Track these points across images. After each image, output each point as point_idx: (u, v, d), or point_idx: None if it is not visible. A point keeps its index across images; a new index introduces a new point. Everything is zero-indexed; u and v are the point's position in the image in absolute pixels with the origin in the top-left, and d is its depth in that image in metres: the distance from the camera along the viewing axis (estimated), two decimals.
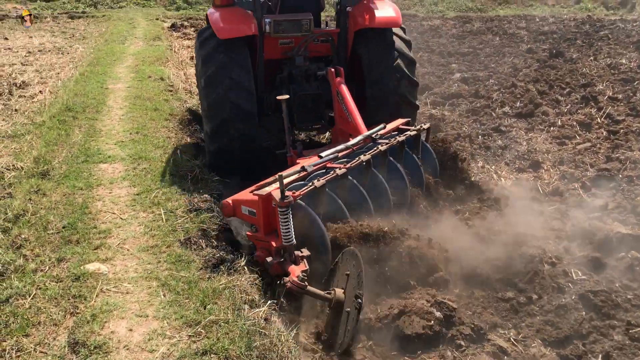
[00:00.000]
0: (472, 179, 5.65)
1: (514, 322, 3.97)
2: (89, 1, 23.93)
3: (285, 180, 3.78)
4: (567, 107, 9.05)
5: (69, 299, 3.52)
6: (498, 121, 8.41)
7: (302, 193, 3.78)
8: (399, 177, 4.64)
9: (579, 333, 3.80)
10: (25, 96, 9.16)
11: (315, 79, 5.92)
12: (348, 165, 4.24)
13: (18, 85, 9.84)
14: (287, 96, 5.06)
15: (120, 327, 3.32)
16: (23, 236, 4.23)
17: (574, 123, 8.20)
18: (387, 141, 4.75)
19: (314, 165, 4.28)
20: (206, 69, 5.49)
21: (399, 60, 5.87)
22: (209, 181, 5.52)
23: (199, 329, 3.26)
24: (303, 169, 4.19)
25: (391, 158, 4.71)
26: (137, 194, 5.02)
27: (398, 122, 5.36)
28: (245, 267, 3.93)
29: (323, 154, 4.51)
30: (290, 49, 5.95)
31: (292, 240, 3.65)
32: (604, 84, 10.14)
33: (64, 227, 4.38)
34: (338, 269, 3.72)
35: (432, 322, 3.67)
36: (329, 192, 4.03)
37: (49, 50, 13.41)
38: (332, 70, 5.60)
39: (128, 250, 4.12)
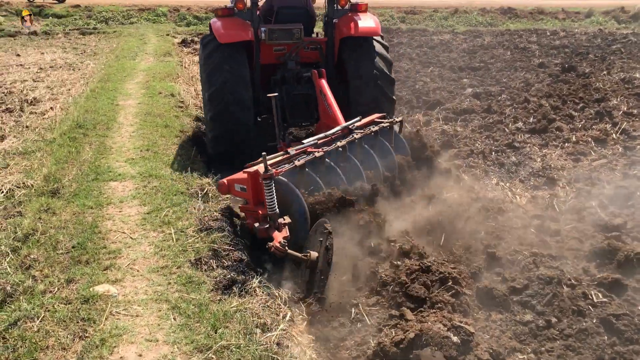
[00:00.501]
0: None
1: (533, 347, 3.84)
2: (100, 17, 24.18)
3: (270, 161, 4.54)
4: (582, 122, 8.94)
5: (78, 322, 3.45)
6: (511, 137, 8.31)
7: (283, 170, 4.52)
8: (373, 161, 5.40)
9: (601, 358, 3.67)
10: (36, 112, 9.18)
11: (306, 81, 6.69)
12: (325, 149, 4.99)
13: (29, 101, 9.89)
14: (277, 94, 5.78)
15: (129, 352, 3.23)
16: (32, 256, 4.17)
17: (589, 139, 8.09)
18: (362, 131, 5.54)
19: (296, 150, 5.00)
20: (207, 67, 6.40)
21: (378, 61, 6.72)
22: (219, 199, 5.46)
23: (210, 355, 3.17)
24: (286, 152, 4.94)
25: (366, 145, 5.46)
26: (148, 213, 4.96)
27: (374, 116, 6.17)
28: (257, 289, 3.84)
29: (305, 141, 5.27)
30: (283, 55, 6.82)
31: (275, 208, 4.29)
32: (618, 99, 10.03)
33: (73, 247, 4.32)
34: (313, 235, 4.29)
35: (449, 349, 3.55)
36: (308, 171, 4.76)
37: (60, 67, 13.50)
38: (315, 71, 6.38)
39: (138, 271, 4.05)
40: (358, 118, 5.87)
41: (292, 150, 4.99)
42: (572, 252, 4.86)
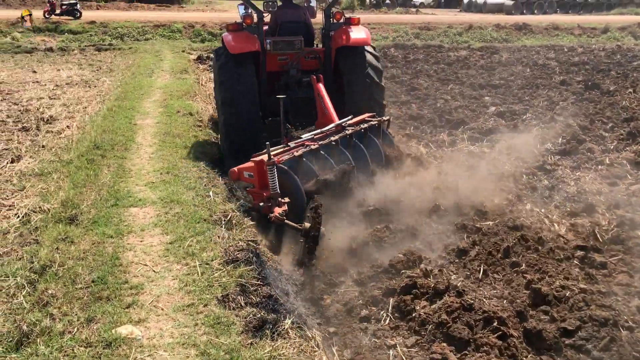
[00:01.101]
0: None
1: None
2: (115, 33, 24.21)
3: (273, 152, 5.39)
4: (613, 143, 8.63)
5: None
6: (541, 159, 8.01)
7: (284, 158, 5.41)
8: (362, 154, 6.20)
9: None
10: (52, 131, 9.02)
11: (306, 86, 7.54)
12: (320, 143, 5.89)
13: (45, 120, 9.73)
14: (285, 96, 6.65)
15: None
16: (50, 291, 3.93)
17: (624, 161, 7.77)
18: (353, 128, 6.40)
19: (295, 143, 5.91)
20: (219, 75, 7.25)
21: (369, 70, 7.48)
22: (244, 226, 5.21)
23: None
24: (287, 145, 5.84)
25: (356, 140, 6.29)
26: (170, 243, 4.71)
27: (365, 115, 6.95)
28: (290, 331, 3.57)
29: (303, 136, 6.18)
30: (286, 63, 7.73)
31: (277, 189, 5.14)
32: None
33: (93, 281, 4.07)
34: (307, 210, 5.03)
35: None
36: (305, 160, 5.63)
37: (76, 84, 13.39)
38: (314, 77, 7.21)
39: (162, 309, 3.79)
40: (350, 117, 6.74)
41: (292, 144, 5.90)
42: (622, 287, 4.55)
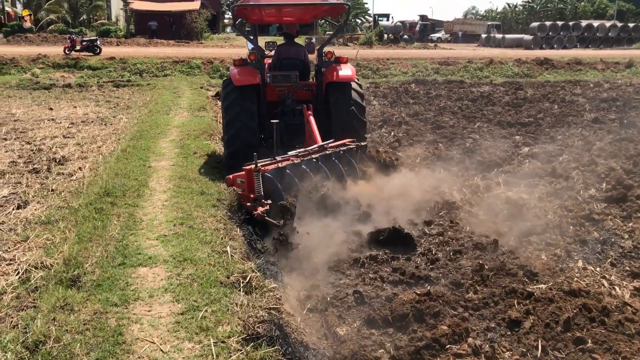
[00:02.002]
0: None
1: None
2: (134, 69, 24.16)
3: (261, 163, 6.40)
4: None
5: None
6: (586, 207, 7.33)
7: (268, 168, 6.44)
8: (338, 169, 7.19)
9: None
10: (63, 173, 8.60)
11: (299, 113, 8.64)
12: (302, 159, 6.92)
13: (57, 160, 9.34)
14: (277, 120, 7.75)
15: None
16: None
17: None
18: (332, 149, 7.47)
19: (281, 157, 6.87)
20: (225, 102, 8.56)
21: (352, 102, 8.62)
22: (264, 290, 4.61)
23: None
24: (274, 158, 6.77)
25: (334, 159, 7.30)
26: (182, 314, 4.12)
27: (346, 140, 7.99)
28: None
29: (289, 153, 7.13)
30: (283, 94, 8.83)
31: (260, 192, 6.18)
32: None
33: None
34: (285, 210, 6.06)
35: None
36: (288, 172, 6.60)
37: (92, 121, 13.09)
38: (305, 106, 8.46)
39: None
40: (332, 140, 7.79)
41: (278, 157, 6.85)
42: None
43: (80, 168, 8.88)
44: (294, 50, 9.29)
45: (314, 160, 7.00)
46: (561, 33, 49.51)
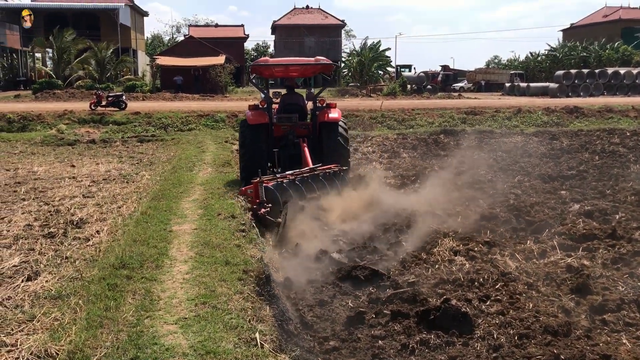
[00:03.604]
0: None
1: None
2: (159, 124, 24.05)
3: (265, 178, 9.12)
4: None
5: None
6: None
7: (270, 183, 8.98)
8: (324, 187, 9.64)
9: None
10: (80, 238, 8.02)
11: (298, 146, 11.15)
12: (297, 178, 9.46)
13: (75, 223, 8.78)
14: (278, 149, 10.89)
15: None
16: None
17: None
18: (321, 171, 10.00)
19: (280, 176, 9.45)
20: (241, 138, 11.70)
21: (339, 138, 11.20)
22: None
23: None
24: (275, 176, 9.46)
25: (321, 178, 9.84)
26: None
27: (332, 165, 10.50)
28: None
29: (286, 173, 9.69)
30: (286, 131, 11.44)
31: (263, 198, 8.70)
32: None
33: None
34: (282, 213, 8.44)
35: None
36: (285, 186, 9.08)
37: (114, 179, 12.65)
38: (301, 140, 11.15)
39: None
40: (320, 164, 10.43)
41: (278, 175, 9.45)
42: None
43: (97, 232, 8.30)
44: (294, 98, 12.29)
45: (305, 177, 9.61)
46: (587, 80, 48.81)
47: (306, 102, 12.25)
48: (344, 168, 10.77)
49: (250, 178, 9.66)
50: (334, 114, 11.34)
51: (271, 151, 10.94)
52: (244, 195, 9.09)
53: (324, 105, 11.53)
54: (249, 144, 11.00)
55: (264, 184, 8.76)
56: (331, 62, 11.86)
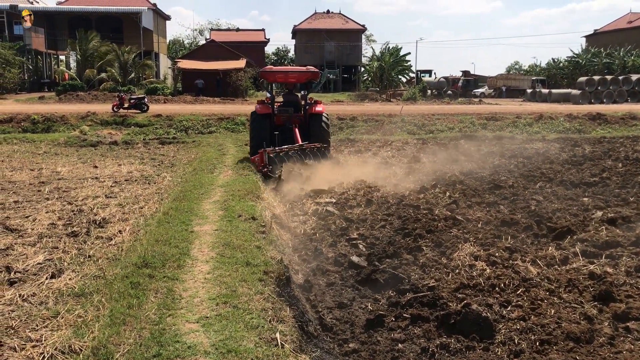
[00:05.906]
0: None
1: None
2: (180, 126, 24.28)
3: (267, 150, 13.33)
4: None
5: None
6: None
7: (271, 152, 13.23)
8: (308, 157, 13.90)
9: None
10: (102, 237, 8.15)
11: (292, 130, 14.97)
12: (291, 151, 13.67)
13: (97, 222, 8.92)
14: (278, 132, 14.92)
15: None
16: None
17: None
18: (308, 147, 14.20)
19: (278, 149, 13.52)
20: (251, 123, 15.94)
21: (322, 124, 15.45)
22: None
23: None
24: (274, 149, 13.48)
25: (308, 151, 14.05)
26: None
27: (317, 143, 14.66)
28: None
29: (283, 147, 13.78)
30: (285, 120, 15.50)
31: (266, 161, 12.95)
32: None
33: None
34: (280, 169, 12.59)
35: None
36: (281, 155, 13.31)
37: (136, 180, 12.81)
38: (294, 126, 15.07)
39: None
40: (307, 142, 14.42)
41: (277, 149, 13.46)
42: None
43: (120, 231, 8.42)
44: (292, 96, 16.43)
45: (295, 150, 13.68)
46: (610, 87, 48.16)
47: (301, 100, 16.31)
48: (325, 145, 14.89)
49: (256, 150, 13.73)
50: (319, 108, 15.67)
51: (273, 134, 14.79)
52: (253, 162, 13.79)
53: (312, 101, 15.91)
54: (257, 127, 15.06)
55: (268, 151, 13.03)
56: (317, 70, 16.25)
